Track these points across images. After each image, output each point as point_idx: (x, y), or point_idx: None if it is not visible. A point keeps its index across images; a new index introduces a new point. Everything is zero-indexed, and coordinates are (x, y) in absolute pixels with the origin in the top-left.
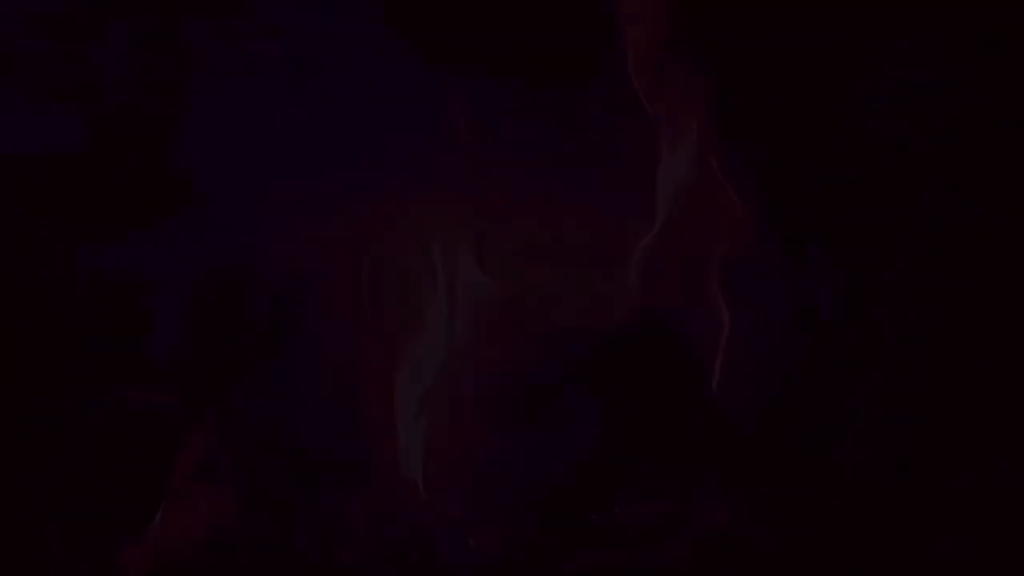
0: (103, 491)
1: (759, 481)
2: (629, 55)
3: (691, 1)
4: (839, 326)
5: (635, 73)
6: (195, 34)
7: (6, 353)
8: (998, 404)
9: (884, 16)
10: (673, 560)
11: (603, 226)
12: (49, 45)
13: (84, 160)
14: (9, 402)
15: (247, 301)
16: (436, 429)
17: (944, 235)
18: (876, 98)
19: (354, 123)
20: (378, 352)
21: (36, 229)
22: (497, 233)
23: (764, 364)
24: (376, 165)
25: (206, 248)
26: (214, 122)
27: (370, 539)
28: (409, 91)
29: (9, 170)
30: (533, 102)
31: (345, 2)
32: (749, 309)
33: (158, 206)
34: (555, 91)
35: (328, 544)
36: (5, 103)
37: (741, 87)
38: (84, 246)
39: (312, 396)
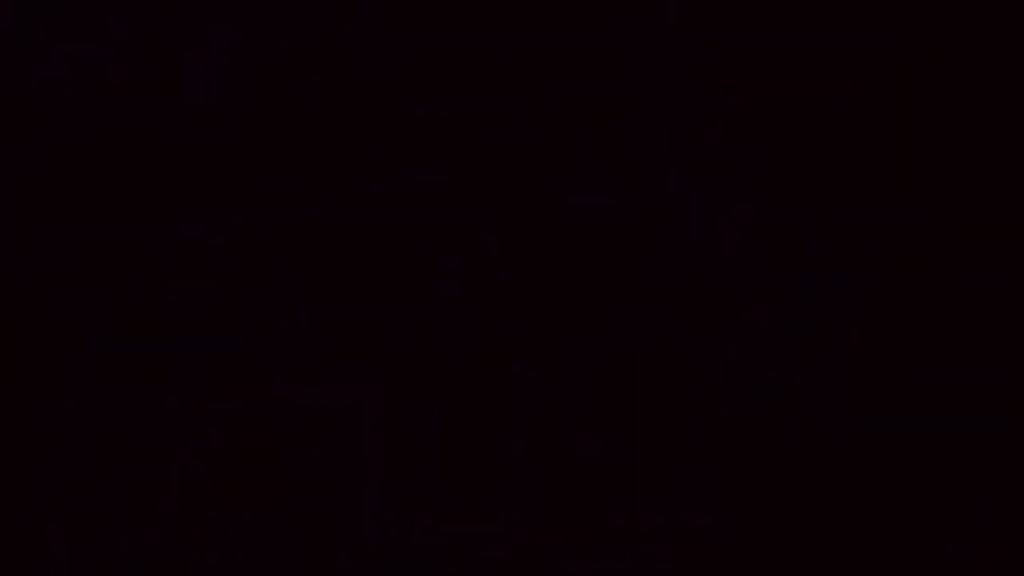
0: (103, 491)
1: (759, 481)
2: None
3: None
4: (839, 326)
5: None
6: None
7: (6, 353)
8: (999, 403)
9: (883, 16)
10: (671, 560)
11: (604, 225)
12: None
13: (87, 158)
14: (9, 402)
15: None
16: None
17: (944, 235)
18: (876, 98)
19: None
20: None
21: (36, 229)
22: (496, 232)
23: (764, 364)
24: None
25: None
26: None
27: (367, 540)
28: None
29: (10, 170)
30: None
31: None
32: (748, 310)
33: (159, 204)
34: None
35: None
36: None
37: (741, 87)
38: (87, 243)
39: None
